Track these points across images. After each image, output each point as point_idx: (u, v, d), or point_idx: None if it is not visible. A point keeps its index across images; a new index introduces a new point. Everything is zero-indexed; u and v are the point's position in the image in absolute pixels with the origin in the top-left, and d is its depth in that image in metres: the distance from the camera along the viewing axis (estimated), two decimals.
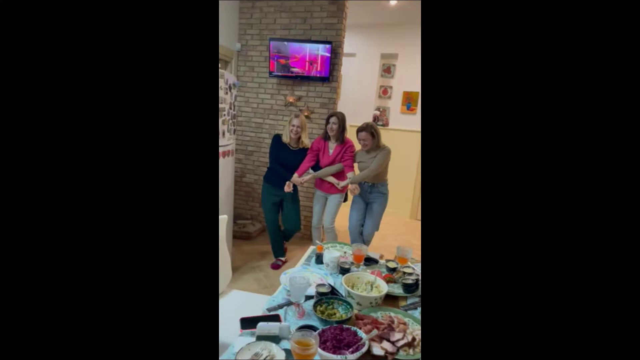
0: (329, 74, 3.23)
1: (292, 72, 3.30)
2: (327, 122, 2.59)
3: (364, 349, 0.96)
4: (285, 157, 2.66)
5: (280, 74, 3.33)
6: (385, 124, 4.71)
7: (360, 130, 2.44)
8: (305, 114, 3.40)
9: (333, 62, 3.23)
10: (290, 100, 3.45)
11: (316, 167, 2.72)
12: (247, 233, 3.49)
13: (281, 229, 2.96)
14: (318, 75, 3.25)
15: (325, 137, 2.66)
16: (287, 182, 2.56)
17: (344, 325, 1.06)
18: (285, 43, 3.23)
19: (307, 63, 3.25)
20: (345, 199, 2.81)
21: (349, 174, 2.55)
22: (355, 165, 2.62)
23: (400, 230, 4.14)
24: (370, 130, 2.41)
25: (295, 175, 2.60)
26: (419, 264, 1.69)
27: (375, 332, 1.02)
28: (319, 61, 3.21)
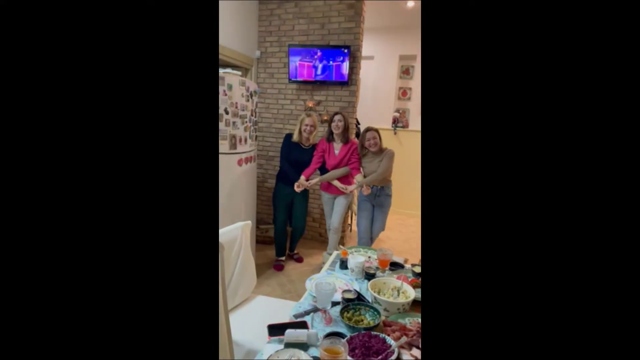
0: (348, 78, 3.23)
1: (311, 78, 3.32)
2: (332, 121, 2.62)
3: (394, 357, 0.95)
4: (297, 156, 2.71)
5: (299, 79, 3.36)
6: (405, 126, 4.67)
7: (367, 130, 2.52)
8: (325, 118, 3.41)
9: (352, 66, 3.23)
10: (310, 105, 3.47)
11: (322, 168, 2.76)
12: (270, 237, 3.52)
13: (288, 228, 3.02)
14: (337, 79, 3.26)
15: (329, 139, 2.68)
16: (296, 184, 2.60)
17: (372, 332, 1.05)
18: (304, 49, 3.26)
19: (326, 68, 3.26)
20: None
21: (357, 177, 2.58)
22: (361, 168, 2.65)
23: None
24: (376, 129, 2.53)
25: (302, 178, 2.63)
26: None
27: (404, 339, 1.01)
28: (338, 65, 3.22)
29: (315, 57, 3.25)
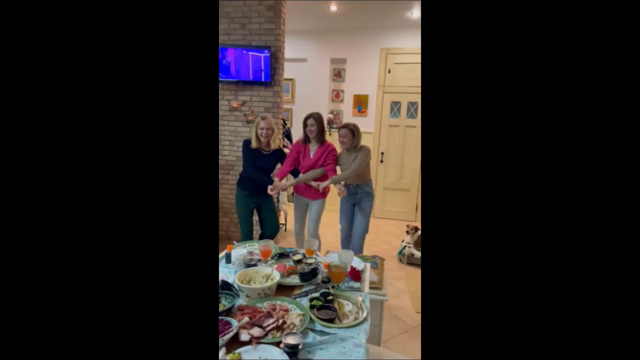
0: (270, 79, 3.26)
1: (233, 78, 3.31)
2: (305, 125, 2.51)
3: (227, 337, 0.96)
4: (260, 162, 2.54)
5: (221, 79, 3.34)
6: (339, 127, 4.78)
7: (342, 127, 2.47)
8: (250, 118, 3.41)
9: (274, 67, 3.26)
10: (235, 105, 3.45)
11: (295, 171, 2.64)
12: None
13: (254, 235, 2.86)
14: (258, 80, 3.27)
15: (305, 141, 2.57)
16: (270, 187, 2.44)
17: (219, 318, 1.06)
18: (225, 49, 3.25)
19: (247, 68, 3.27)
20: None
21: (333, 177, 2.46)
22: (338, 168, 2.56)
23: None
24: (350, 128, 2.45)
25: (277, 179, 2.49)
26: (328, 255, 1.72)
27: (246, 319, 1.03)
28: (260, 66, 3.24)
29: (236, 57, 3.25)
